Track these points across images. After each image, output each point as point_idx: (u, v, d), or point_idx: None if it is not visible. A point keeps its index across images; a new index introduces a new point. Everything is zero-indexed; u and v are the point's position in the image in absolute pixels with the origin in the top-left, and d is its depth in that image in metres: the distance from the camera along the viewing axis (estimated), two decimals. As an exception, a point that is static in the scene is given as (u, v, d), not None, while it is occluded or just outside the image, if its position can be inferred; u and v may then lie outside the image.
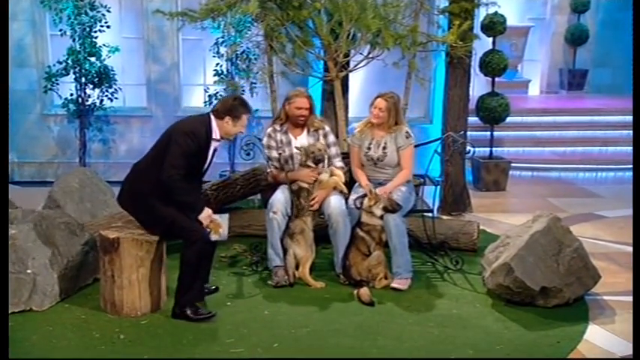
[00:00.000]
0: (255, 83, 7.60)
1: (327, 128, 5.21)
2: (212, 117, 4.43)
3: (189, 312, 4.29)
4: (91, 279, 4.84)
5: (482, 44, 7.53)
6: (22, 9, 8.44)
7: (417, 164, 5.24)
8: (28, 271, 4.43)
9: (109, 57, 8.04)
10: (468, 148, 6.06)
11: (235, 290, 4.89)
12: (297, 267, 4.98)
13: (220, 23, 6.99)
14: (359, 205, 4.95)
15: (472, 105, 7.66)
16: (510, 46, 10.88)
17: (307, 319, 4.39)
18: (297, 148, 5.06)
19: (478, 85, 9.32)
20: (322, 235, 5.12)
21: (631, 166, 8.14)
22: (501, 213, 7.14)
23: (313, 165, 5.00)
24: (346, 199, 5.04)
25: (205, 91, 8.32)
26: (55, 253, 4.58)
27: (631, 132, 8.82)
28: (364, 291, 4.70)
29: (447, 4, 6.74)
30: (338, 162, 5.17)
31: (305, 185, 4.98)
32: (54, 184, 5.95)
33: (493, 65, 7.80)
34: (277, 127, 5.16)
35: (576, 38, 11.39)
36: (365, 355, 3.95)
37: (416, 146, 5.22)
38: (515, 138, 9.48)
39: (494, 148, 8.31)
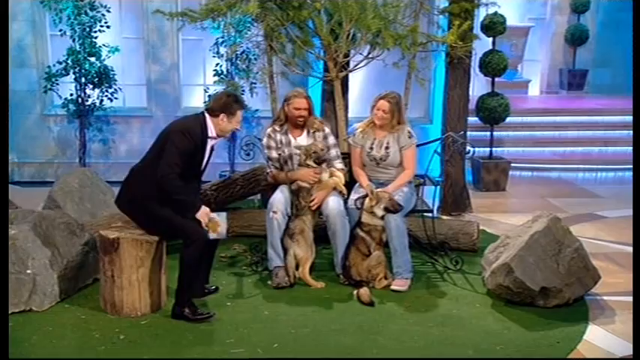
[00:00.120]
0: (255, 83, 7.58)
1: (327, 130, 5.21)
2: (207, 115, 4.44)
3: (188, 312, 4.29)
4: (90, 279, 4.85)
5: (482, 44, 7.52)
6: (22, 9, 8.42)
7: (417, 164, 5.24)
8: (28, 271, 4.42)
9: (109, 57, 8.02)
10: (468, 148, 6.05)
11: (235, 290, 4.89)
12: (297, 267, 4.98)
13: (220, 23, 6.97)
14: (360, 206, 4.95)
15: (472, 105, 7.66)
16: (510, 47, 10.85)
17: (307, 319, 4.39)
18: (297, 147, 5.06)
19: (478, 85, 9.30)
20: (322, 236, 5.13)
21: (631, 166, 8.14)
22: (501, 213, 7.13)
23: (314, 165, 5.00)
24: (345, 200, 5.04)
25: (205, 92, 8.30)
26: (55, 253, 4.58)
27: (631, 132, 8.82)
28: (364, 291, 4.70)
29: (447, 4, 6.73)
30: (338, 164, 5.17)
31: (305, 185, 4.98)
32: (54, 184, 5.95)
33: (493, 65, 7.80)
34: (277, 128, 5.16)
35: (576, 38, 11.39)
36: (365, 355, 3.94)
37: (417, 146, 5.22)
38: (515, 138, 9.49)
39: (494, 149, 8.31)
